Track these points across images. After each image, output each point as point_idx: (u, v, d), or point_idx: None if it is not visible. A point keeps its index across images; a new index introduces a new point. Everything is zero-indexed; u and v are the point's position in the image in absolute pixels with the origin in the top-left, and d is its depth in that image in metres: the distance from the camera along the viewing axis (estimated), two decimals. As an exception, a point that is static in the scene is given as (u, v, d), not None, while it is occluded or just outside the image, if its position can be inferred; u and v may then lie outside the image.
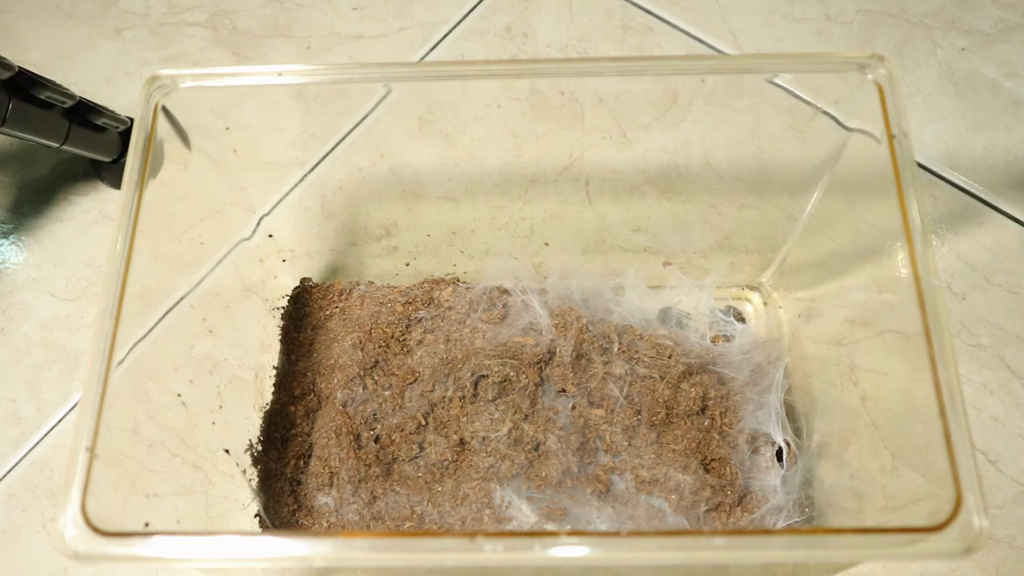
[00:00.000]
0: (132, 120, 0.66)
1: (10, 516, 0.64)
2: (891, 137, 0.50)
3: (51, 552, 0.63)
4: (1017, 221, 0.73)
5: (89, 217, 0.76)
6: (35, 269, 0.74)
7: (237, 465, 0.61)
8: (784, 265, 0.71)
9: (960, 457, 0.43)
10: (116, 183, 0.76)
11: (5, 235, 0.76)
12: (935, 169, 0.76)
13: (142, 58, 0.84)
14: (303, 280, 0.72)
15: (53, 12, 0.87)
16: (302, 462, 0.65)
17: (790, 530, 0.44)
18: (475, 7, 0.71)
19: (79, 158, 0.76)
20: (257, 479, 0.63)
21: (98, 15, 0.87)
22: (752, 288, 0.72)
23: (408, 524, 0.62)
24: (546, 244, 0.67)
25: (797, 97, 0.59)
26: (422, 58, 0.77)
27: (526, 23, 0.72)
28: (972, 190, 0.74)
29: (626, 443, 0.64)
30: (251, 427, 0.63)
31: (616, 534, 0.43)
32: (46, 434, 0.67)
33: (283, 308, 0.70)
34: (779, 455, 0.65)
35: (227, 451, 0.59)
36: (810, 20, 0.76)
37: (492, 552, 0.43)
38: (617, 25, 0.71)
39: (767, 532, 0.44)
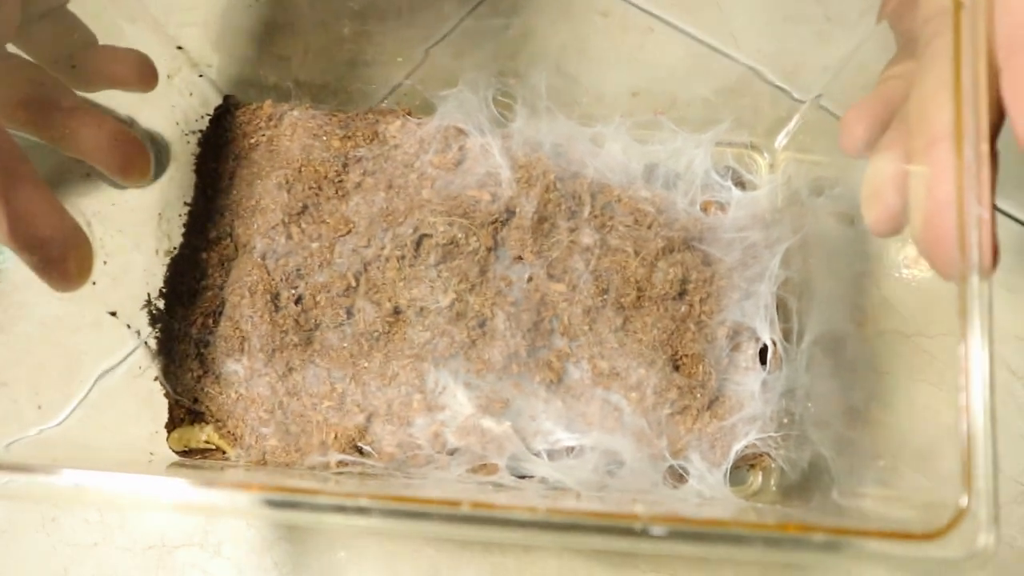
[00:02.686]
0: (133, 120, 0.56)
1: (10, 517, 0.58)
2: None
3: (51, 552, 0.57)
4: (1015, 220, 0.63)
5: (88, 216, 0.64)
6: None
7: (129, 326, 0.52)
8: (804, 121, 0.59)
9: (979, 445, 0.35)
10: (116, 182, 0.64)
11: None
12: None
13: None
14: (227, 98, 0.60)
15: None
16: (211, 321, 0.56)
17: (752, 524, 0.36)
18: (475, 7, 0.58)
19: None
20: (156, 340, 0.55)
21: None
22: (756, 149, 0.61)
23: (326, 403, 0.54)
24: (512, 81, 0.55)
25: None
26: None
27: (526, 23, 0.61)
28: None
29: (587, 327, 0.55)
30: (150, 279, 0.54)
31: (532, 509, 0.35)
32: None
33: (200, 132, 0.59)
34: (763, 355, 0.56)
35: (113, 314, 0.51)
36: (812, 21, 0.62)
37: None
38: (617, 25, 0.62)
39: (720, 523, 0.36)
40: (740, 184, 0.60)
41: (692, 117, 0.58)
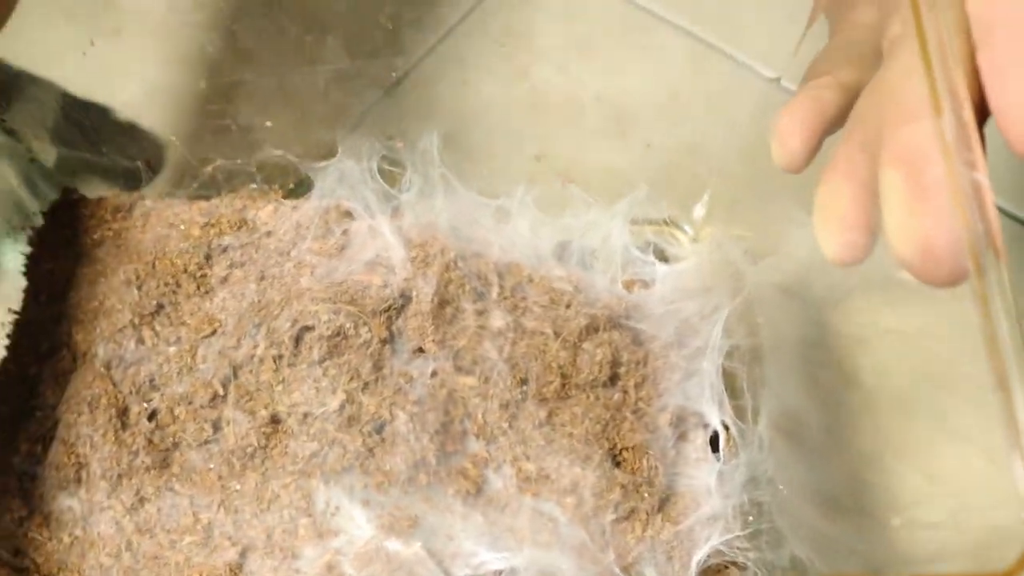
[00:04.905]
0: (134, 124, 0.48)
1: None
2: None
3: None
4: (1015, 219, 0.59)
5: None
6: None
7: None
8: (722, 191, 0.54)
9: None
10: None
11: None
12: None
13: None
14: (66, 191, 0.51)
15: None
16: (39, 448, 0.45)
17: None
18: (475, 7, 0.55)
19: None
20: (-35, 474, 0.44)
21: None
22: (675, 225, 0.55)
23: (188, 539, 0.43)
24: (399, 145, 0.48)
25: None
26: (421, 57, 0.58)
27: (526, 24, 0.58)
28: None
29: (506, 424, 0.46)
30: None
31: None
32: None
33: (32, 229, 0.50)
34: (714, 443, 0.48)
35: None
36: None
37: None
38: (617, 25, 0.59)
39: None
40: (663, 259, 0.54)
41: (602, 185, 0.52)
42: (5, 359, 0.47)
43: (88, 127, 0.50)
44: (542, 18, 0.57)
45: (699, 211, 0.55)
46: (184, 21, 0.51)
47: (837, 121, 0.37)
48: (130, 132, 0.51)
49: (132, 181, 0.50)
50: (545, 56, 0.55)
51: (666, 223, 0.56)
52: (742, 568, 0.45)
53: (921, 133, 0.31)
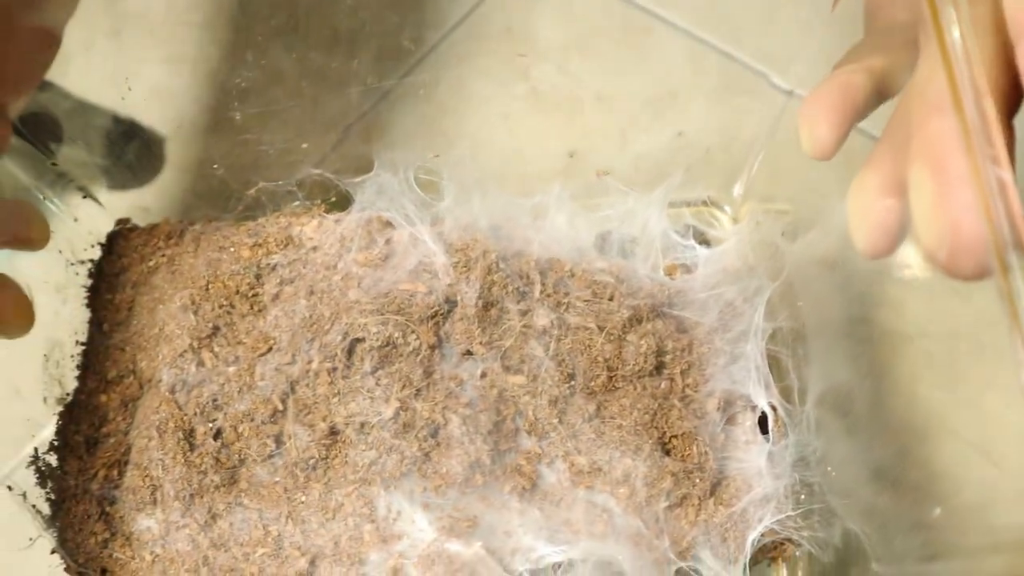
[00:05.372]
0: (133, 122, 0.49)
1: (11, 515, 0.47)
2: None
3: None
4: None
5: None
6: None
7: (10, 489, 0.43)
8: (762, 166, 0.53)
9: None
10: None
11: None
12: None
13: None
14: (119, 222, 0.53)
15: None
16: (115, 472, 0.47)
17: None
18: (475, 7, 0.54)
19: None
20: (49, 503, 0.46)
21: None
22: (715, 205, 0.55)
23: (261, 551, 0.45)
24: (436, 156, 0.49)
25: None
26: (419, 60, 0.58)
27: (526, 24, 0.58)
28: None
29: (556, 420, 0.47)
30: (36, 430, 0.46)
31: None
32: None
33: (91, 261, 0.52)
34: (762, 424, 0.48)
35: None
36: (813, 20, 0.59)
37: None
38: (617, 25, 0.58)
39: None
40: (704, 242, 0.54)
41: (639, 175, 0.52)
42: (77, 389, 0.49)
43: (96, 130, 0.52)
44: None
45: (738, 190, 0.55)
46: (184, 21, 0.52)
47: (866, 106, 0.37)
48: (131, 131, 0.52)
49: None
50: (557, 54, 0.55)
51: (705, 204, 0.56)
52: (797, 545, 0.46)
53: (945, 127, 0.31)
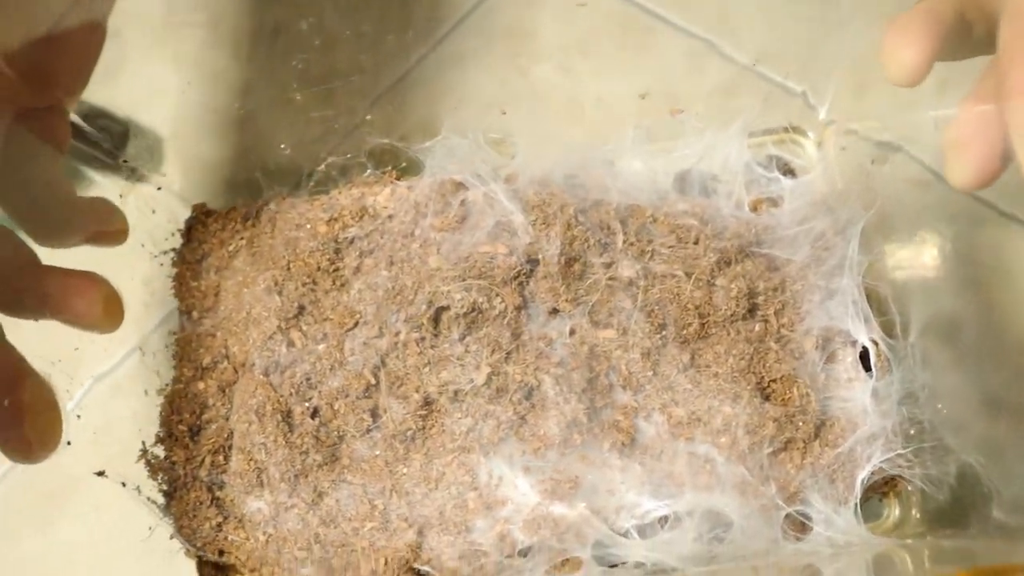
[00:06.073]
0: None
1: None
2: None
3: (47, 553, 0.49)
4: None
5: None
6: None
7: (124, 484, 0.45)
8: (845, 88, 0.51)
9: None
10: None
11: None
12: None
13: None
14: (196, 207, 0.53)
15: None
16: (221, 458, 0.48)
17: None
18: (475, 7, 0.53)
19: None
20: (162, 493, 0.47)
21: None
22: (798, 131, 0.53)
23: (369, 525, 0.46)
24: (504, 113, 0.48)
25: None
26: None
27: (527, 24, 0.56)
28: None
29: (650, 372, 0.47)
30: (142, 424, 0.47)
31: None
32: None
33: (173, 251, 0.52)
34: (864, 360, 0.47)
35: (101, 473, 0.43)
36: (814, 20, 0.55)
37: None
38: (617, 25, 0.56)
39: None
40: (789, 172, 0.52)
41: (714, 111, 0.50)
42: (174, 379, 0.50)
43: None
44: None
45: (823, 113, 0.53)
46: (184, 21, 0.51)
47: (953, 33, 0.35)
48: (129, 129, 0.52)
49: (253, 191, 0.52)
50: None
51: (787, 131, 0.53)
52: (909, 481, 0.45)
53: None
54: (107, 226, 0.43)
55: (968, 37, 0.34)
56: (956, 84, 0.38)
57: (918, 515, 0.46)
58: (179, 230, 0.53)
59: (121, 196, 0.49)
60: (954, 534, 0.43)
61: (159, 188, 0.51)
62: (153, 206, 0.51)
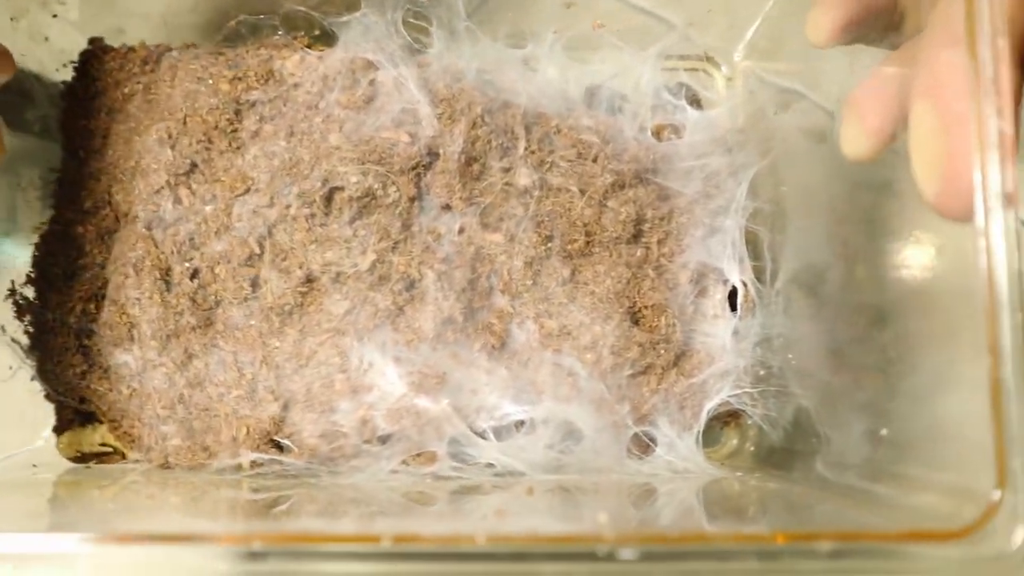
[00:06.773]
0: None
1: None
2: None
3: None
4: None
5: None
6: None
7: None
8: (767, 24, 0.51)
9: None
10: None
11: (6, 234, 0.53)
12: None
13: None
14: (92, 41, 0.51)
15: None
16: (92, 306, 0.48)
17: (742, 536, 0.29)
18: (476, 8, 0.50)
19: None
20: (27, 334, 0.47)
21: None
22: (712, 63, 0.53)
23: (235, 393, 0.47)
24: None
25: None
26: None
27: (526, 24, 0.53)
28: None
29: (530, 281, 0.48)
30: (12, 262, 0.46)
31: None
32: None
33: (64, 84, 0.50)
34: (732, 300, 0.49)
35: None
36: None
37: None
38: (617, 26, 0.54)
39: (702, 537, 0.30)
40: (696, 103, 0.53)
41: (636, 29, 0.50)
42: (52, 218, 0.49)
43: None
44: None
45: (739, 50, 0.53)
46: (184, 22, 0.50)
47: (877, 8, 0.36)
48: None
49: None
50: None
51: (701, 59, 0.54)
52: (750, 417, 0.48)
53: (956, 62, 0.30)
54: None
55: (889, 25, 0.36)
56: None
57: (752, 448, 0.50)
58: (72, 62, 0.50)
59: (13, 19, 0.47)
60: (779, 476, 0.46)
61: (55, 15, 0.48)
62: (45, 32, 0.49)
